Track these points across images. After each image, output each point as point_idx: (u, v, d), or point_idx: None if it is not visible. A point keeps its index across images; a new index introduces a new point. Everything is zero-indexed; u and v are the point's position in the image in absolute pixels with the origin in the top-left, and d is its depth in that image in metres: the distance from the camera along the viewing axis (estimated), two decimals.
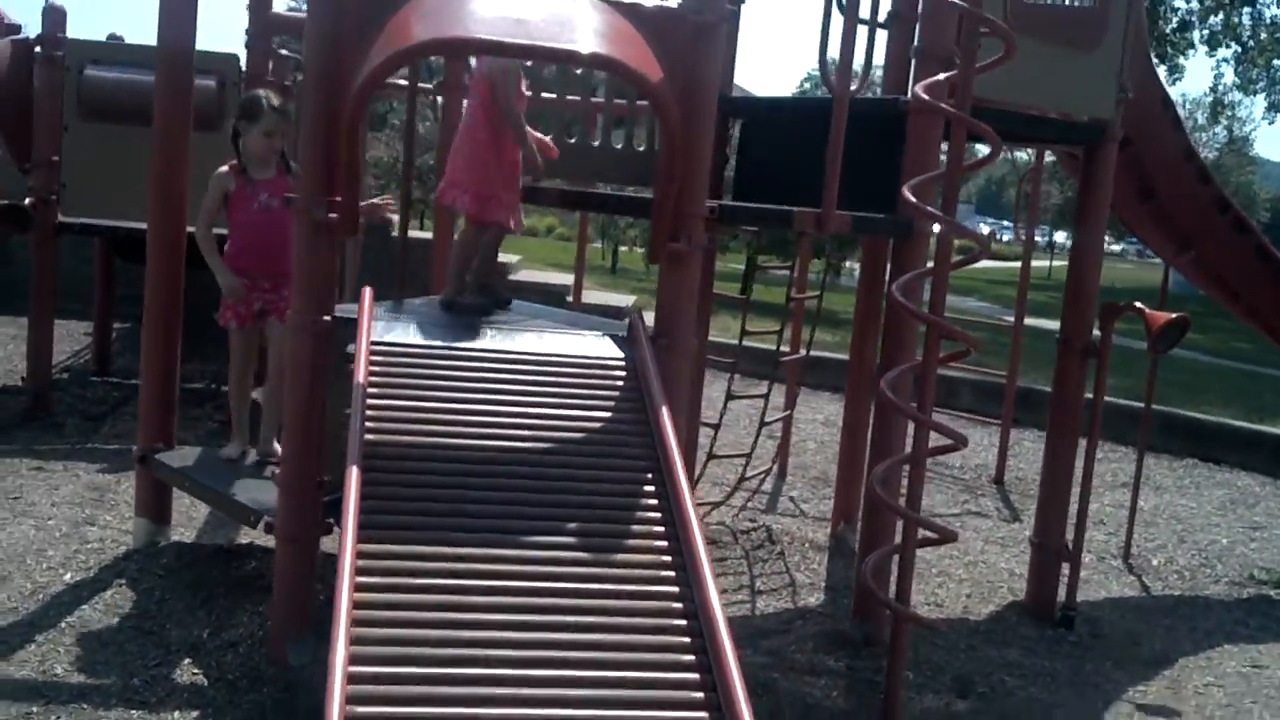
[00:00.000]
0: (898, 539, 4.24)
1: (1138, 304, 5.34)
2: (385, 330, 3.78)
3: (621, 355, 3.86)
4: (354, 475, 3.06)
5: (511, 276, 12.30)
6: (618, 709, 2.68)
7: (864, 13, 4.99)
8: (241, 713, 3.71)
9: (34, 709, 3.61)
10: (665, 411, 3.50)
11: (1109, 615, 5.60)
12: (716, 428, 6.02)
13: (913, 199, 3.99)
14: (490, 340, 3.89)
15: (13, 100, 7.22)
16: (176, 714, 3.67)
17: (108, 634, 4.15)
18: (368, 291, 3.84)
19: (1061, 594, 5.41)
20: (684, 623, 2.93)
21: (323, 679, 2.51)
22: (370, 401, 3.41)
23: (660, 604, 2.98)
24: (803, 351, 7.40)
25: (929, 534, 4.21)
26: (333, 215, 3.72)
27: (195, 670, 3.94)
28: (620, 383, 3.74)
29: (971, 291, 25.37)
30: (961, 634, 5.12)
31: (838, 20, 4.49)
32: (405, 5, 3.62)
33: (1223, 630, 5.57)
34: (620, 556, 3.10)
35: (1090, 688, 4.72)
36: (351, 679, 2.58)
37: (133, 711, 3.65)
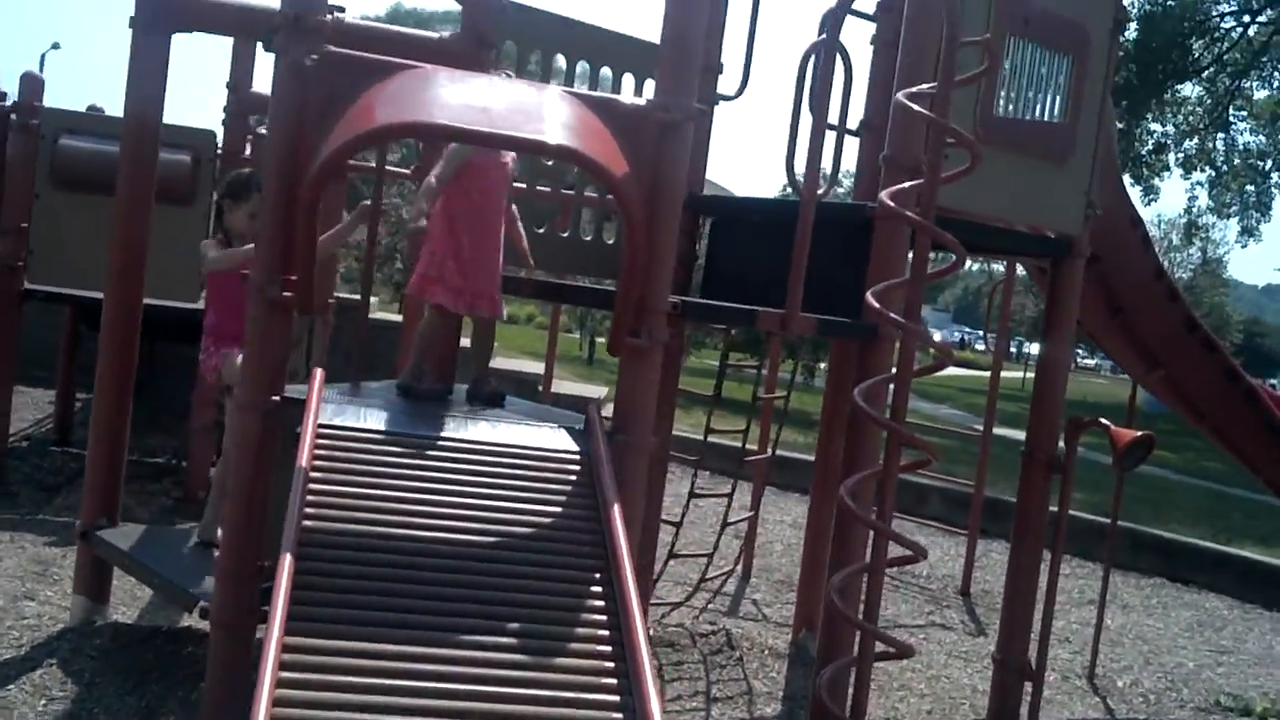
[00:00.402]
0: (857, 649, 4.13)
1: (1103, 420, 5.29)
2: (335, 413, 3.69)
3: (576, 449, 3.77)
4: (287, 563, 2.95)
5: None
6: None
7: (833, 119, 5.00)
8: None
9: None
10: (617, 509, 3.40)
11: None
12: (678, 526, 5.92)
13: (875, 304, 3.94)
14: (443, 428, 3.80)
15: None
16: None
17: (32, 717, 3.99)
18: (318, 373, 3.76)
19: (1024, 714, 5.29)
20: None
21: None
22: (311, 486, 3.30)
23: (599, 714, 2.86)
24: (769, 451, 7.32)
25: (887, 648, 4.10)
26: (287, 294, 3.65)
27: None
28: (573, 477, 3.64)
29: (944, 399, 25.39)
30: None
31: (806, 125, 4.49)
32: (370, 89, 3.59)
33: None
34: (560, 660, 2.98)
35: None
36: None
37: None
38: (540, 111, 3.64)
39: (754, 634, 6.21)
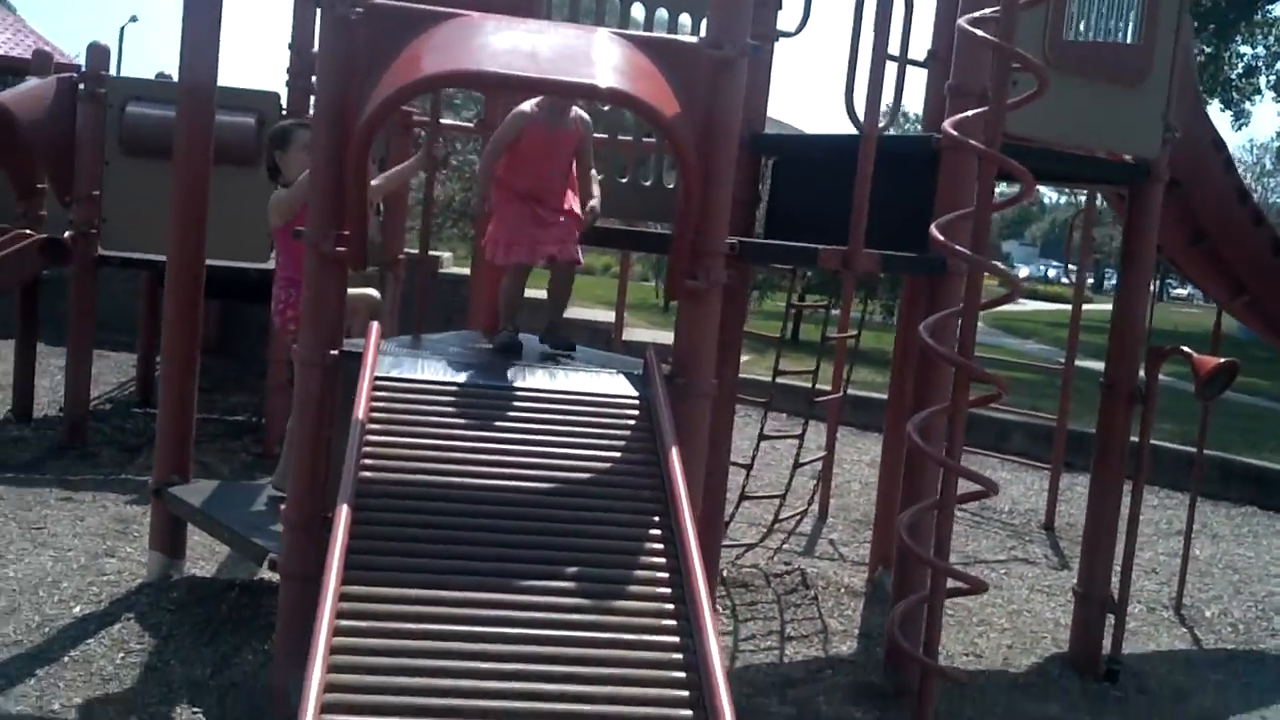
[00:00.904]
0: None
1: (1184, 348, 5.14)
2: (393, 365, 3.69)
3: (635, 394, 3.74)
4: (344, 513, 2.97)
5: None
6: None
7: (894, 49, 4.88)
8: None
9: None
10: (675, 452, 3.37)
11: (1157, 669, 5.37)
12: (748, 468, 5.87)
13: (939, 236, 3.85)
14: (501, 377, 3.79)
15: (57, 136, 7.30)
16: None
17: (110, 670, 4.09)
18: (375, 326, 3.76)
19: (1107, 646, 5.20)
20: (682, 675, 2.77)
21: None
22: (368, 437, 3.31)
23: (658, 655, 2.84)
24: (842, 391, 7.23)
25: (959, 583, 4.04)
26: (340, 249, 3.65)
27: (195, 710, 3.86)
28: (632, 422, 3.61)
29: (1031, 334, 24.98)
30: (1000, 687, 4.94)
31: (865, 57, 4.38)
32: (416, 39, 3.56)
33: (1278, 688, 5.31)
34: (620, 604, 2.96)
35: None
36: None
37: None
38: (589, 55, 3.59)
39: (830, 573, 6.17)
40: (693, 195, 3.61)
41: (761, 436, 5.88)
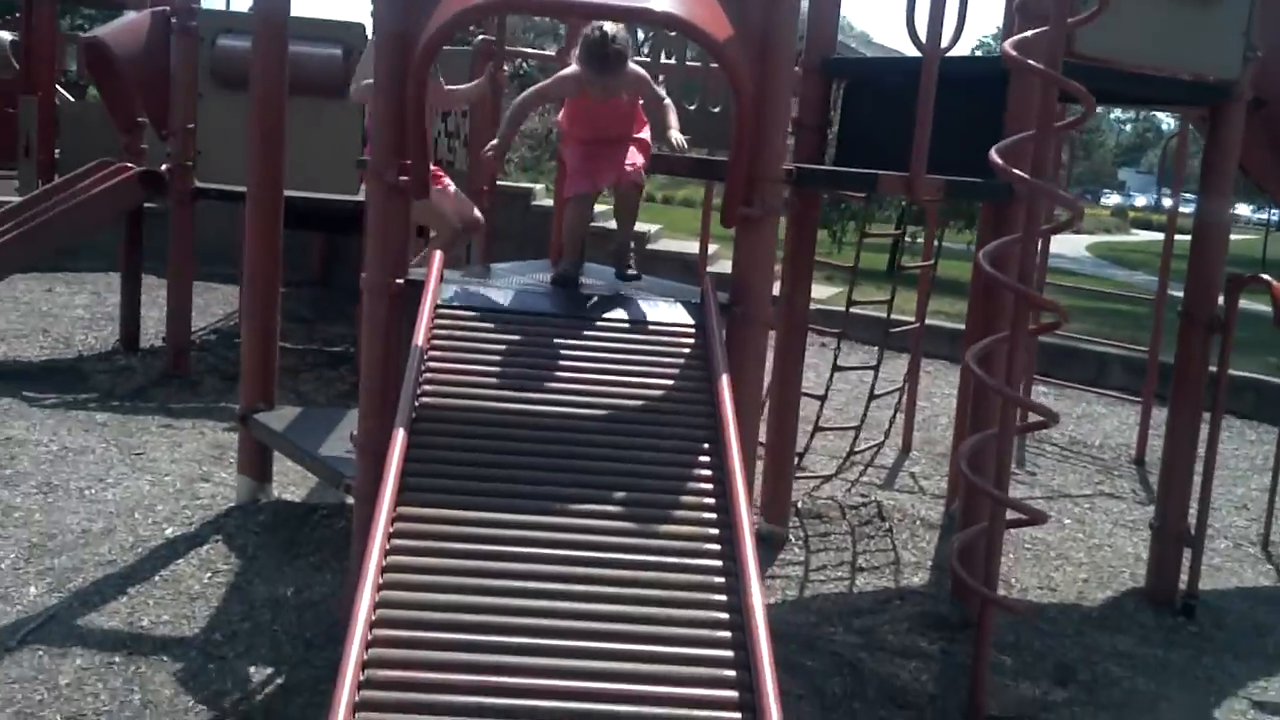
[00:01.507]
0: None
1: (1264, 276, 5.01)
2: (455, 294, 3.78)
3: (691, 321, 3.78)
4: (399, 437, 3.07)
5: (649, 245, 12.29)
6: (646, 683, 2.61)
7: None
8: (314, 670, 3.78)
9: (116, 659, 3.76)
10: (725, 380, 3.41)
11: (1237, 605, 5.30)
12: (822, 399, 5.88)
13: (999, 161, 3.80)
14: (559, 306, 3.86)
15: (152, 69, 7.49)
16: (252, 669, 3.78)
17: (197, 588, 4.30)
18: (438, 255, 3.84)
19: (1185, 581, 5.15)
20: (722, 598, 2.83)
21: None
22: (428, 364, 3.41)
23: (699, 577, 2.90)
24: (920, 321, 7.17)
25: (1020, 515, 4.04)
26: (403, 178, 3.73)
27: (275, 627, 4.04)
28: (687, 350, 3.66)
29: (1140, 265, 24.32)
30: (1071, 619, 4.92)
31: None
32: None
33: None
34: (664, 528, 3.03)
35: (1203, 680, 4.48)
36: (374, 642, 2.58)
37: (210, 665, 3.77)
38: None
39: (907, 506, 6.17)
40: (747, 121, 3.61)
41: (835, 367, 5.87)
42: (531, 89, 4.32)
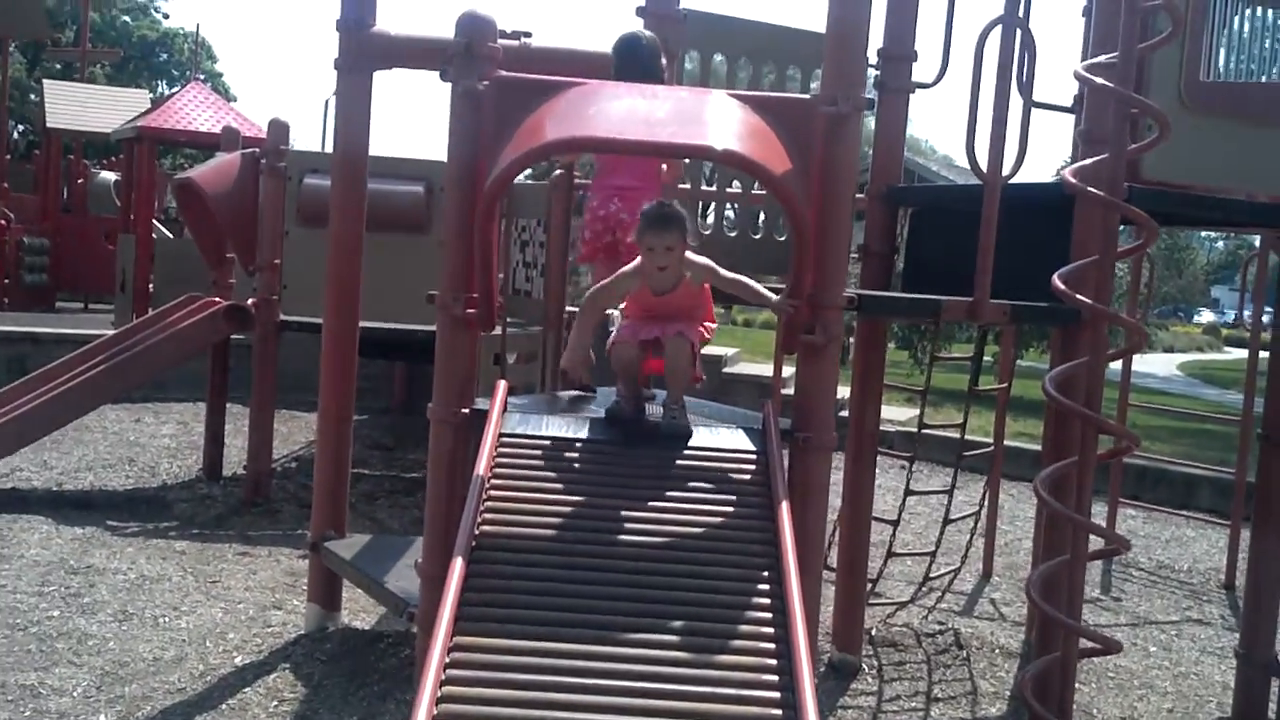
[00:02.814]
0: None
1: None
2: (519, 422, 3.83)
3: (752, 448, 3.78)
4: (457, 566, 3.09)
5: (726, 369, 12.34)
6: None
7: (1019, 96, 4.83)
8: None
9: None
10: (785, 506, 3.40)
11: None
12: (895, 524, 5.81)
13: (1061, 285, 3.80)
14: (622, 434, 3.88)
15: (240, 207, 7.77)
16: None
17: (263, 718, 4.31)
18: (502, 385, 3.91)
19: (1273, 711, 4.96)
20: None
21: None
22: (489, 492, 3.44)
23: (757, 710, 2.85)
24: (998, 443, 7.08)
25: (1094, 644, 3.94)
26: (470, 311, 3.81)
27: None
28: (748, 477, 3.65)
29: (1232, 384, 23.82)
30: None
31: (987, 104, 4.36)
32: (539, 108, 3.72)
33: None
34: (723, 658, 2.99)
35: None
36: None
37: None
38: (702, 117, 3.68)
39: (985, 633, 6.03)
40: (804, 250, 3.65)
41: (908, 491, 5.81)
42: (596, 288, 4.07)
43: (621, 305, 4.05)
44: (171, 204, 16.40)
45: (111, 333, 8.64)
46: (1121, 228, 4.23)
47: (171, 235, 14.51)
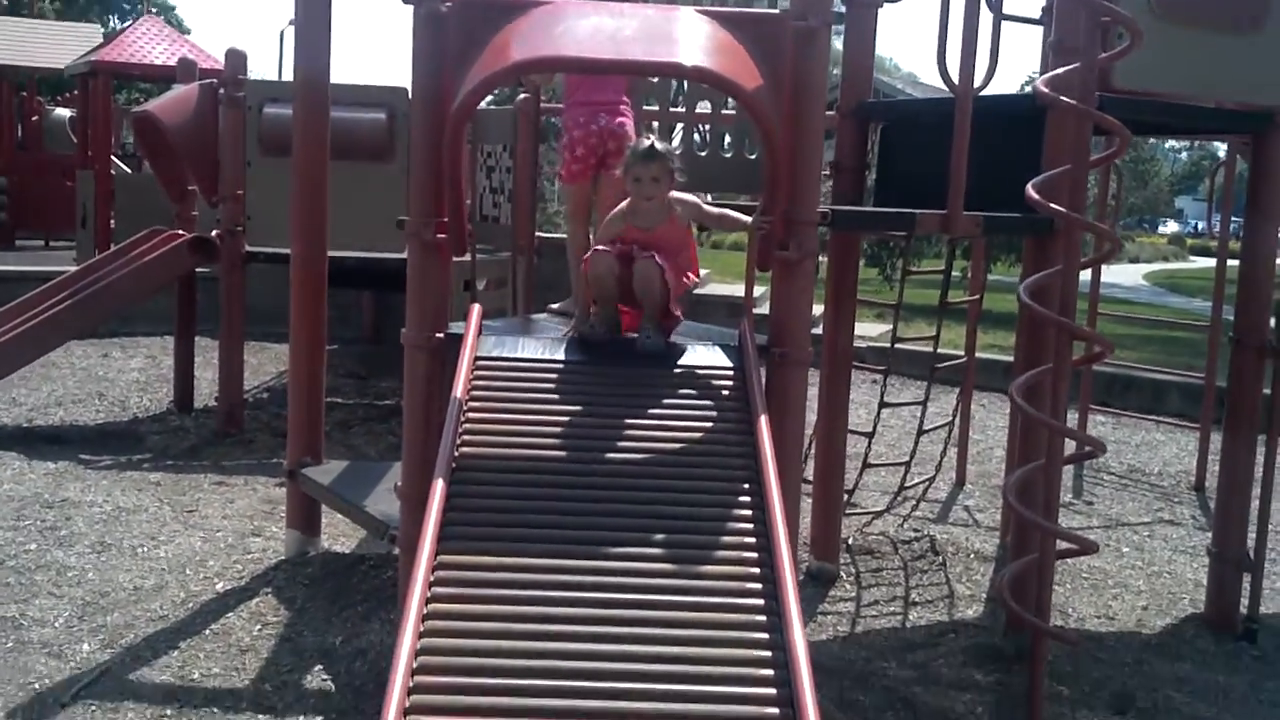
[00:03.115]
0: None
1: None
2: (494, 345, 3.83)
3: (730, 365, 3.80)
4: (439, 487, 3.11)
5: (697, 291, 12.31)
6: None
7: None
8: (364, 718, 3.81)
9: (168, 711, 3.81)
10: (764, 421, 3.42)
11: None
12: (870, 436, 5.86)
13: (1035, 195, 3.81)
14: (597, 353, 3.88)
15: (200, 139, 7.67)
16: (302, 718, 3.81)
17: (247, 641, 4.35)
18: (476, 308, 3.90)
19: (1244, 606, 5.07)
20: (764, 636, 2.83)
21: None
22: (467, 414, 3.45)
23: (741, 617, 2.90)
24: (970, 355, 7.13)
25: (1070, 545, 4.01)
26: (440, 236, 3.79)
27: (325, 676, 4.08)
28: (726, 393, 3.68)
29: (1198, 293, 24.01)
30: (1130, 648, 4.86)
31: (957, 16, 4.33)
32: (504, 29, 3.67)
33: None
34: (705, 569, 3.03)
35: (1266, 705, 4.40)
36: (416, 688, 2.61)
37: (260, 716, 3.81)
38: (672, 34, 3.64)
39: (961, 539, 6.13)
40: (778, 167, 3.64)
41: (882, 404, 5.86)
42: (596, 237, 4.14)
43: None
44: (129, 139, 16.16)
45: (74, 269, 8.54)
46: (1093, 139, 4.24)
47: (130, 170, 14.31)
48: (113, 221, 11.96)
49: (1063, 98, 3.77)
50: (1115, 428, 9.25)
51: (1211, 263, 8.16)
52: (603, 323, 3.96)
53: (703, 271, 13.31)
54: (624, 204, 3.99)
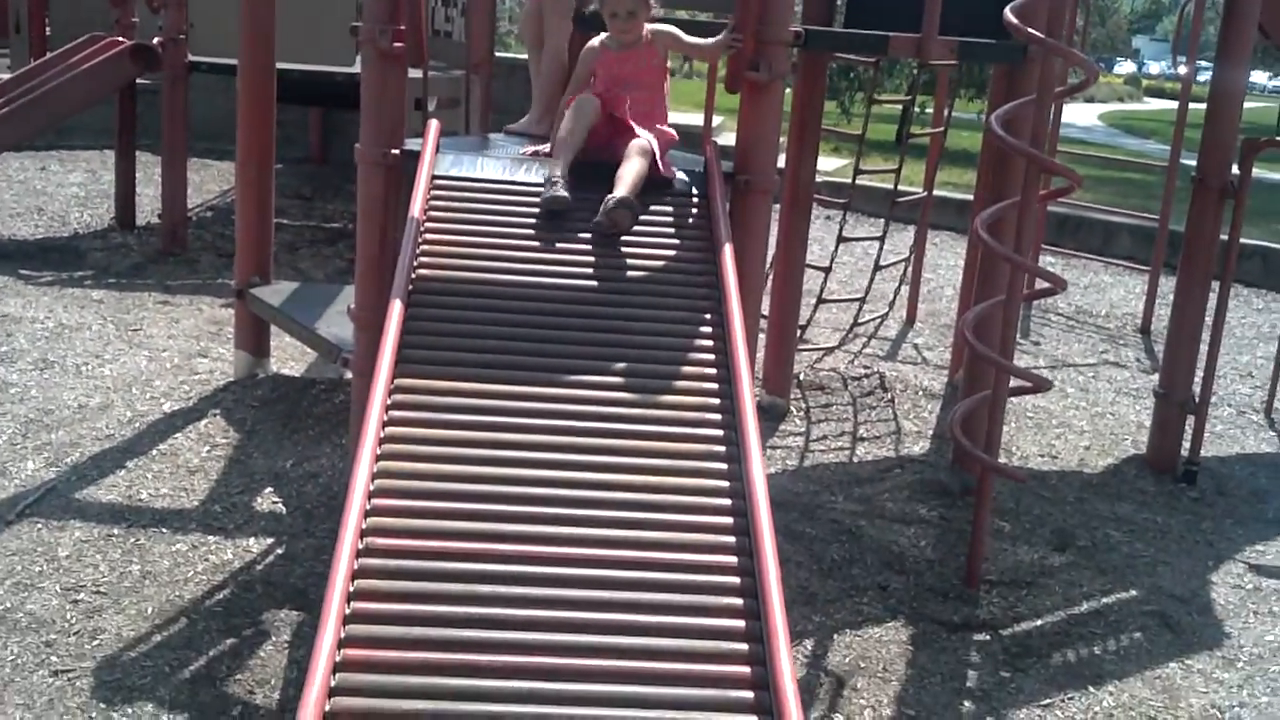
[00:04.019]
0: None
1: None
2: (452, 164, 3.70)
3: (695, 190, 3.70)
4: (396, 309, 3.03)
5: None
6: (646, 550, 2.60)
7: None
8: (314, 540, 3.80)
9: (115, 531, 3.78)
10: (728, 249, 3.35)
11: (1239, 472, 5.31)
12: (826, 271, 5.82)
13: (1014, 20, 3.69)
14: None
15: None
16: (251, 540, 3.79)
17: (196, 462, 4.31)
18: (433, 124, 3.76)
19: (1185, 448, 5.15)
20: (724, 466, 2.81)
21: None
22: (425, 235, 3.35)
23: (701, 447, 2.87)
24: (928, 191, 7.06)
25: (1024, 383, 4.02)
26: (398, 45, 3.62)
27: (275, 499, 4.05)
28: (690, 219, 3.59)
29: (1151, 134, 24.00)
30: (1072, 487, 4.94)
31: None
32: None
33: None
34: (666, 398, 2.99)
35: (1203, 545, 4.50)
36: (373, 511, 2.57)
37: (210, 537, 3.78)
38: None
39: (909, 376, 6.16)
40: None
41: (840, 238, 5.80)
42: (565, 100, 3.85)
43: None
44: None
45: (8, 76, 8.18)
46: None
47: None
48: (48, 28, 11.45)
49: None
50: (1065, 268, 9.29)
51: (1166, 105, 8.08)
52: (569, 182, 3.53)
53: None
54: (597, 39, 3.83)
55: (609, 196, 3.41)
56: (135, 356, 5.37)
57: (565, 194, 3.47)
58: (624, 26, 3.72)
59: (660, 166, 3.66)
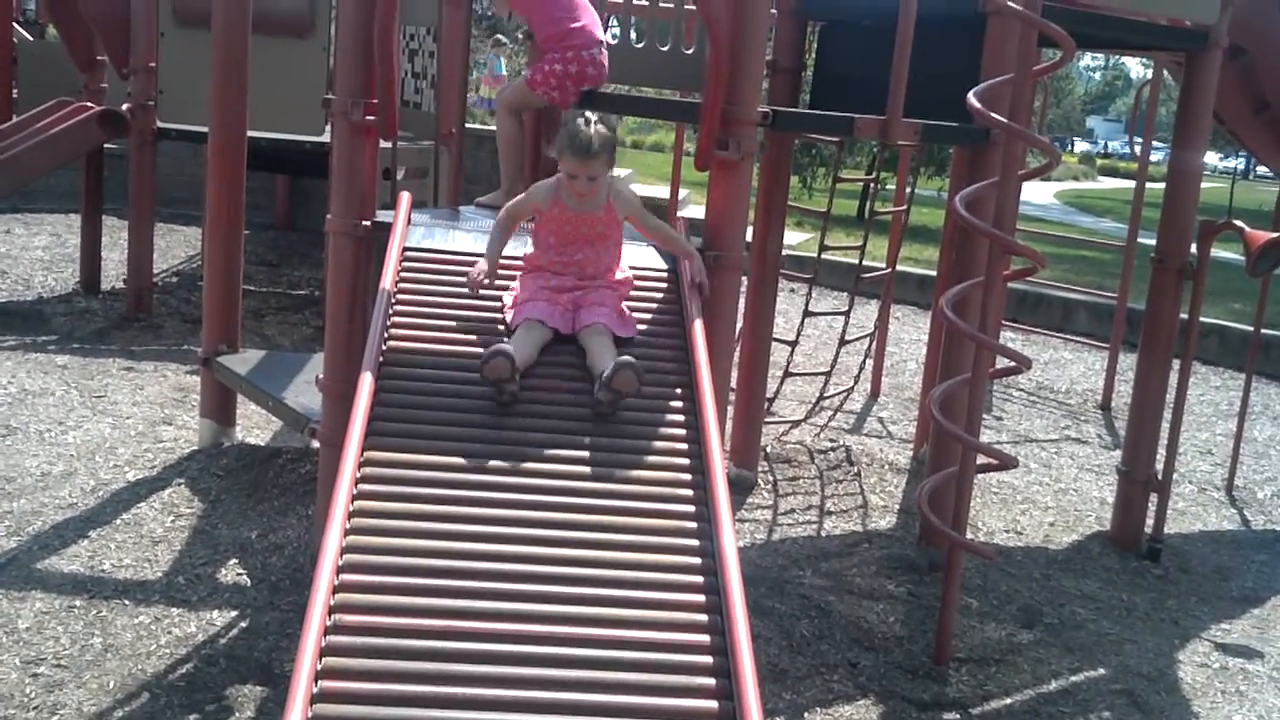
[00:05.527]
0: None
1: (1236, 223, 5.01)
2: (424, 236, 3.72)
3: (664, 267, 3.73)
4: (367, 381, 3.02)
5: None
6: (617, 628, 2.58)
7: None
8: (279, 614, 3.75)
9: (77, 602, 3.71)
10: (698, 325, 3.37)
11: (1201, 549, 5.36)
12: (793, 344, 5.86)
13: (977, 104, 3.76)
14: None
15: (111, 7, 7.31)
16: (216, 613, 3.74)
17: (160, 532, 4.25)
18: (405, 196, 3.78)
19: (1151, 526, 5.19)
20: (695, 543, 2.81)
21: None
22: (395, 307, 3.35)
23: (672, 523, 2.87)
24: (893, 267, 7.14)
25: (990, 460, 4.04)
26: (369, 118, 3.65)
27: (240, 570, 4.00)
28: (659, 295, 3.62)
29: (1107, 213, 24.43)
30: (1038, 563, 4.95)
31: None
32: None
33: None
34: (637, 474, 2.99)
35: (1169, 623, 4.52)
36: (341, 586, 2.54)
37: (173, 609, 3.73)
38: None
39: (875, 450, 6.18)
40: (722, 63, 3.55)
41: (806, 313, 5.85)
42: (511, 203, 3.60)
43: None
44: (30, 4, 15.41)
45: None
46: None
47: (31, 38, 13.66)
48: (15, 91, 11.44)
49: (1010, 3, 3.71)
50: (1025, 344, 9.38)
51: (1120, 184, 8.26)
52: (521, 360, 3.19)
53: (625, 172, 13.20)
54: (556, 178, 3.47)
55: (601, 372, 3.13)
56: (99, 423, 5.31)
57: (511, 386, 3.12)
58: (584, 190, 3.40)
59: (620, 327, 3.39)
